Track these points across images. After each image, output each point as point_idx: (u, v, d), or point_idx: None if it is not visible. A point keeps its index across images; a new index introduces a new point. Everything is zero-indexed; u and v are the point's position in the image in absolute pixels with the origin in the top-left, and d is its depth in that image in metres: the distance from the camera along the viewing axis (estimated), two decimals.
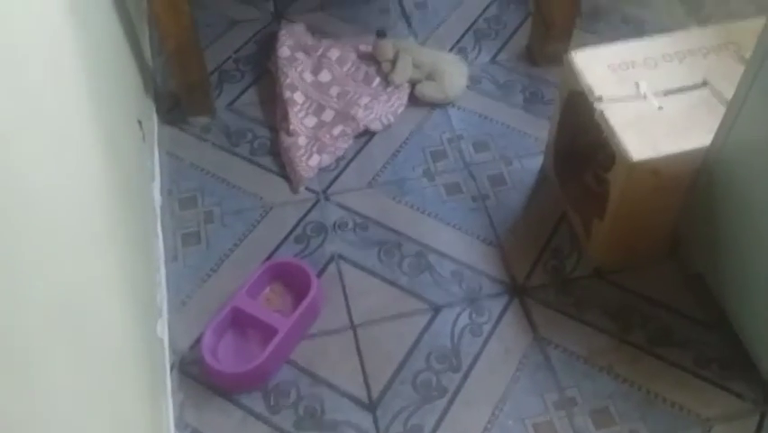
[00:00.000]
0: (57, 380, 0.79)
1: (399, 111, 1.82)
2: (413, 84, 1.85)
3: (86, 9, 1.29)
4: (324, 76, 1.86)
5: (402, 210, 1.65)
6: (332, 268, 1.55)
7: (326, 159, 1.72)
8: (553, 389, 1.37)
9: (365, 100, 1.80)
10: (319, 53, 1.91)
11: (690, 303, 1.48)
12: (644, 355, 1.41)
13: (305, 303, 1.42)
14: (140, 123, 1.59)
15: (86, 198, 1.05)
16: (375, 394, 1.37)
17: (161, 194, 1.66)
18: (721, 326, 1.43)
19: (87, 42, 1.23)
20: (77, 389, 0.86)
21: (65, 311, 0.86)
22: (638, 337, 1.44)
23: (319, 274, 1.53)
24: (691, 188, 1.39)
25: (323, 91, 1.83)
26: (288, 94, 1.80)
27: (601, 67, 1.44)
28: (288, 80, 1.82)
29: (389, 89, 1.84)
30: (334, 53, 1.90)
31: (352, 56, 1.92)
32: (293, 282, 1.49)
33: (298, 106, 1.79)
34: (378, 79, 1.87)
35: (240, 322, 1.43)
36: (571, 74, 1.45)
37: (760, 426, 1.32)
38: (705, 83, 1.41)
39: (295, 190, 1.69)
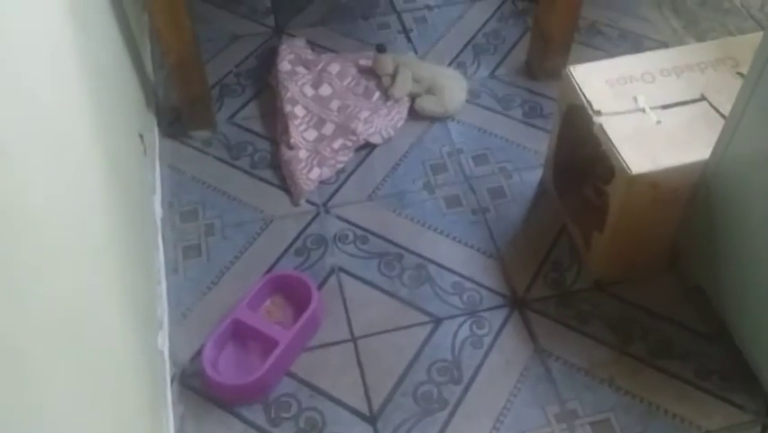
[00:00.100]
0: (57, 392, 0.79)
1: (399, 125, 1.83)
2: (413, 98, 1.87)
3: (88, 23, 1.30)
4: (325, 90, 1.87)
5: (402, 223, 1.65)
6: (332, 280, 1.55)
7: (327, 172, 1.73)
8: (555, 401, 1.37)
9: (365, 114, 1.81)
10: (320, 68, 1.92)
11: (690, 315, 1.48)
12: (644, 367, 1.41)
13: (305, 315, 1.42)
14: (141, 136, 1.60)
15: (86, 211, 1.05)
16: (376, 407, 1.37)
17: (162, 207, 1.66)
18: (722, 337, 1.43)
19: (89, 56, 1.24)
20: (77, 401, 0.86)
21: (65, 323, 0.86)
22: (639, 349, 1.44)
23: (320, 287, 1.54)
24: (690, 201, 1.40)
25: (323, 105, 1.84)
26: (288, 108, 1.81)
27: (600, 81, 1.45)
28: (289, 94, 1.84)
29: (389, 103, 1.86)
30: (335, 67, 1.92)
31: (353, 70, 1.93)
32: (294, 295, 1.49)
33: (299, 120, 1.80)
34: (378, 93, 1.88)
35: (240, 334, 1.43)
36: (570, 88, 1.46)
37: None
38: (703, 97, 1.42)
39: (295, 203, 1.69)
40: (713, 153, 1.31)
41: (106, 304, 1.08)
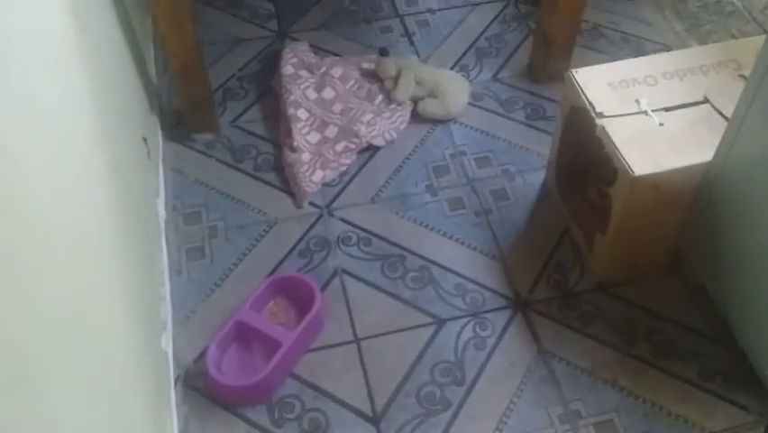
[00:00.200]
0: (60, 392, 0.79)
1: (402, 127, 1.83)
2: (415, 101, 1.87)
3: (91, 26, 1.31)
4: (328, 93, 1.88)
5: (405, 225, 1.66)
6: (335, 282, 1.55)
7: (330, 174, 1.73)
8: (558, 402, 1.37)
9: (368, 117, 1.82)
10: (322, 71, 1.93)
11: (693, 316, 1.48)
12: (648, 368, 1.41)
13: (308, 317, 1.42)
14: (144, 139, 1.61)
15: (90, 213, 1.06)
16: (379, 407, 1.37)
17: (166, 209, 1.67)
18: (725, 338, 1.43)
19: (92, 60, 1.24)
20: (80, 401, 0.86)
21: (69, 325, 0.86)
22: (642, 350, 1.44)
23: (323, 288, 1.54)
24: (693, 203, 1.40)
25: (326, 108, 1.85)
26: (291, 111, 1.82)
27: (602, 84, 1.46)
28: (292, 97, 1.84)
29: (392, 106, 1.86)
30: (337, 71, 1.92)
31: (355, 74, 1.94)
32: (297, 296, 1.50)
33: (302, 123, 1.80)
34: (380, 97, 1.89)
35: (244, 336, 1.44)
36: (573, 91, 1.47)
37: None
38: (705, 100, 1.43)
39: (298, 205, 1.70)
40: (716, 155, 1.31)
41: (110, 305, 1.08)
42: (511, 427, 1.34)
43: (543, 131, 1.83)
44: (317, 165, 1.73)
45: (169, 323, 1.46)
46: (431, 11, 2.18)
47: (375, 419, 1.36)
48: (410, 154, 1.80)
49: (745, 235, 1.29)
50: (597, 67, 1.50)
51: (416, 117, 1.86)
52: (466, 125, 1.86)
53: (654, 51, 1.95)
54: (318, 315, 1.45)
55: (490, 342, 1.46)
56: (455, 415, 1.36)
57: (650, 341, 1.45)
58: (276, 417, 1.36)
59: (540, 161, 1.76)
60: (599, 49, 2.03)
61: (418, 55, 2.04)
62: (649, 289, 1.53)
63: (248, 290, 1.49)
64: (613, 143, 1.35)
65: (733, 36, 1.88)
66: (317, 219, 1.67)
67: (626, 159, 1.32)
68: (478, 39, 2.09)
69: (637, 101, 1.42)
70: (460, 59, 2.03)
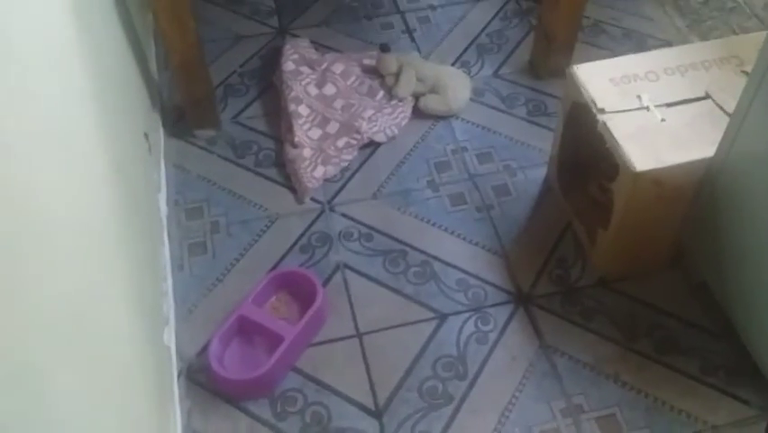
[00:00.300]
0: (63, 388, 0.79)
1: (403, 123, 1.83)
2: (416, 97, 1.87)
3: (92, 23, 1.31)
4: (329, 89, 1.88)
5: (407, 220, 1.66)
6: (337, 277, 1.56)
7: (331, 170, 1.74)
8: (560, 396, 1.38)
9: (369, 113, 1.82)
10: (323, 67, 1.93)
11: (695, 311, 1.48)
12: (650, 363, 1.42)
13: (311, 311, 1.42)
14: (146, 135, 1.61)
15: (92, 209, 1.06)
16: (381, 401, 1.37)
17: (168, 205, 1.67)
18: (727, 333, 1.43)
19: (93, 56, 1.24)
20: (83, 396, 0.86)
21: (71, 320, 0.86)
22: (644, 345, 1.44)
23: (325, 283, 1.54)
24: (695, 199, 1.40)
25: (327, 104, 1.85)
26: (292, 107, 1.82)
27: (603, 80, 1.46)
28: (293, 93, 1.84)
29: (393, 102, 1.86)
30: (338, 67, 1.92)
31: (356, 70, 1.94)
32: (299, 291, 1.50)
33: (303, 119, 1.80)
34: (381, 93, 1.89)
35: (246, 330, 1.44)
36: (574, 86, 1.47)
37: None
38: (707, 96, 1.43)
39: (300, 201, 1.70)
40: (717, 151, 1.32)
41: (112, 301, 1.08)
42: (513, 421, 1.35)
43: (544, 127, 1.83)
44: (319, 161, 1.73)
45: (171, 318, 1.47)
46: (432, 7, 2.18)
47: (377, 413, 1.36)
48: (411, 150, 1.80)
49: (746, 231, 1.29)
50: (598, 63, 1.50)
51: (418, 113, 1.86)
52: (467, 121, 1.86)
53: (656, 47, 1.94)
54: (320, 310, 1.45)
55: (492, 337, 1.46)
56: (457, 409, 1.36)
57: (652, 336, 1.46)
58: (278, 410, 1.36)
59: (541, 157, 1.76)
60: (601, 45, 2.04)
61: (419, 51, 2.04)
62: (651, 284, 1.53)
63: (250, 285, 1.49)
64: (614, 139, 1.35)
65: (734, 32, 1.88)
66: (319, 215, 1.67)
67: (628, 154, 1.32)
68: (479, 35, 2.09)
69: (639, 97, 1.42)
70: (461, 55, 2.03)
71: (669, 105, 1.41)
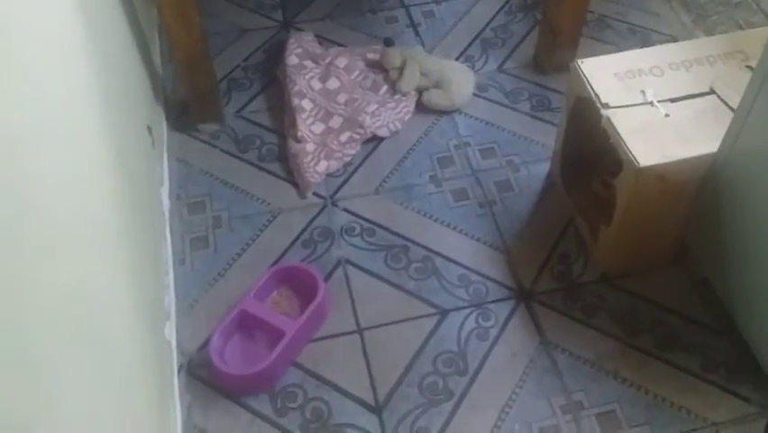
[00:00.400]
0: (64, 381, 0.80)
1: (406, 118, 1.83)
2: (420, 91, 1.87)
3: (97, 17, 1.31)
4: (332, 83, 1.88)
5: (409, 216, 1.65)
6: (339, 272, 1.56)
7: (334, 165, 1.73)
8: (560, 393, 1.37)
9: (372, 107, 1.81)
10: (327, 61, 1.92)
11: (696, 308, 1.48)
12: (651, 360, 1.41)
13: (312, 306, 1.42)
14: (149, 129, 1.61)
15: (94, 203, 1.06)
16: (381, 397, 1.37)
17: (170, 199, 1.67)
18: (728, 330, 1.43)
19: (98, 50, 1.24)
20: (84, 391, 0.87)
21: (73, 313, 0.87)
22: (645, 342, 1.44)
23: (326, 279, 1.54)
24: (698, 194, 1.39)
25: (330, 98, 1.84)
26: (296, 101, 1.81)
27: (608, 75, 1.45)
28: (297, 88, 1.84)
29: (397, 97, 1.86)
30: (342, 61, 1.92)
31: (360, 64, 1.93)
32: (300, 286, 1.50)
33: (306, 113, 1.80)
34: (385, 87, 1.88)
35: (247, 325, 1.44)
36: (578, 81, 1.46)
37: (767, 430, 1.31)
38: (712, 91, 1.42)
39: (302, 196, 1.70)
40: (721, 146, 1.31)
41: (114, 294, 1.08)
42: (513, 417, 1.35)
43: (548, 122, 1.82)
44: (321, 155, 1.73)
45: (172, 312, 1.47)
46: (436, 1, 2.17)
47: (377, 409, 1.36)
48: (414, 145, 1.79)
49: (749, 227, 1.29)
50: (603, 57, 1.49)
51: (421, 108, 1.86)
52: (471, 116, 1.85)
53: (661, 42, 1.94)
54: (321, 305, 1.45)
55: (493, 333, 1.46)
56: (457, 405, 1.36)
57: (653, 332, 1.45)
58: (279, 406, 1.37)
59: (545, 153, 1.75)
60: (606, 39, 2.02)
61: (423, 45, 2.03)
62: (653, 280, 1.52)
63: (251, 280, 1.49)
64: (618, 134, 1.34)
65: (740, 27, 1.87)
66: (321, 209, 1.67)
67: (632, 150, 1.31)
68: (483, 29, 2.08)
69: (643, 92, 1.42)
70: (465, 49, 2.02)
71: (673, 100, 1.41)
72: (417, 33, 2.07)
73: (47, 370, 0.75)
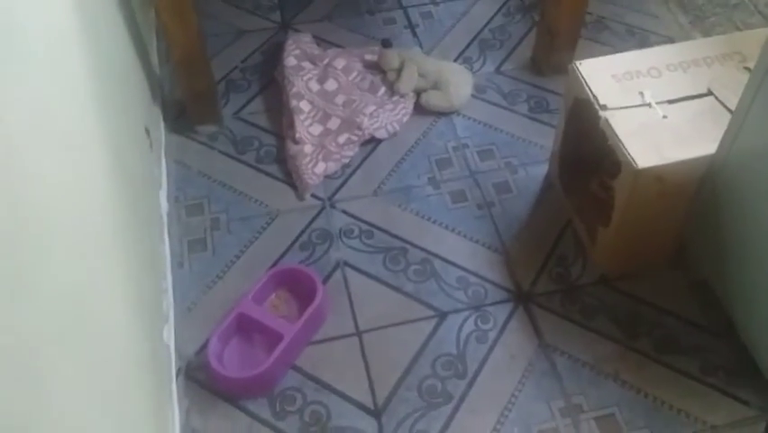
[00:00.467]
0: (61, 385, 0.79)
1: (405, 119, 1.83)
2: (418, 93, 1.86)
3: (95, 18, 1.31)
4: (330, 85, 1.87)
5: (407, 218, 1.65)
6: (337, 275, 1.55)
7: (332, 166, 1.73)
8: (559, 396, 1.37)
9: (371, 109, 1.81)
10: (325, 63, 1.92)
11: (695, 310, 1.48)
12: (650, 362, 1.41)
13: (310, 309, 1.42)
14: (147, 130, 1.60)
15: (92, 205, 1.06)
16: (380, 400, 1.37)
17: (168, 201, 1.67)
18: (727, 333, 1.42)
19: (95, 51, 1.24)
20: (82, 394, 0.86)
21: (71, 316, 0.86)
22: (644, 344, 1.43)
23: (325, 281, 1.54)
24: (696, 196, 1.39)
25: (329, 100, 1.84)
26: (294, 102, 1.81)
27: (606, 76, 1.45)
28: (295, 89, 1.84)
29: (395, 98, 1.86)
30: (340, 62, 1.92)
31: (358, 65, 1.93)
32: (299, 289, 1.50)
33: (304, 115, 1.80)
34: (383, 88, 1.88)
35: (245, 328, 1.44)
36: (576, 83, 1.46)
37: None
38: (709, 92, 1.42)
39: (301, 198, 1.69)
40: (719, 148, 1.31)
41: (112, 297, 1.08)
42: (512, 420, 1.34)
43: (546, 123, 1.82)
44: (320, 157, 1.73)
45: (170, 315, 1.47)
46: (434, 2, 2.17)
47: (376, 412, 1.36)
48: (413, 147, 1.79)
49: (748, 228, 1.28)
50: (601, 59, 1.49)
51: (419, 109, 1.85)
52: (469, 118, 1.85)
53: (659, 44, 1.93)
54: (320, 307, 1.45)
55: (492, 335, 1.46)
56: (456, 408, 1.36)
57: (652, 335, 1.45)
58: (277, 409, 1.36)
59: (543, 154, 1.75)
60: (603, 41, 2.02)
61: (421, 47, 2.03)
62: (652, 282, 1.52)
63: (250, 283, 1.49)
64: (616, 136, 1.34)
65: (737, 28, 1.87)
66: (319, 211, 1.67)
67: (630, 151, 1.31)
68: (481, 31, 2.08)
69: (641, 93, 1.42)
70: (463, 51, 2.02)
71: (671, 101, 1.41)
72: (415, 35, 2.07)
73: (44, 373, 0.75)
